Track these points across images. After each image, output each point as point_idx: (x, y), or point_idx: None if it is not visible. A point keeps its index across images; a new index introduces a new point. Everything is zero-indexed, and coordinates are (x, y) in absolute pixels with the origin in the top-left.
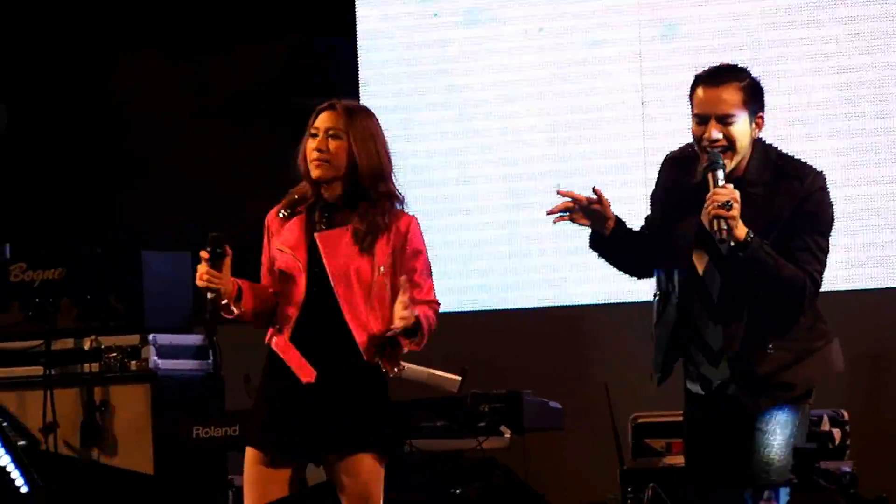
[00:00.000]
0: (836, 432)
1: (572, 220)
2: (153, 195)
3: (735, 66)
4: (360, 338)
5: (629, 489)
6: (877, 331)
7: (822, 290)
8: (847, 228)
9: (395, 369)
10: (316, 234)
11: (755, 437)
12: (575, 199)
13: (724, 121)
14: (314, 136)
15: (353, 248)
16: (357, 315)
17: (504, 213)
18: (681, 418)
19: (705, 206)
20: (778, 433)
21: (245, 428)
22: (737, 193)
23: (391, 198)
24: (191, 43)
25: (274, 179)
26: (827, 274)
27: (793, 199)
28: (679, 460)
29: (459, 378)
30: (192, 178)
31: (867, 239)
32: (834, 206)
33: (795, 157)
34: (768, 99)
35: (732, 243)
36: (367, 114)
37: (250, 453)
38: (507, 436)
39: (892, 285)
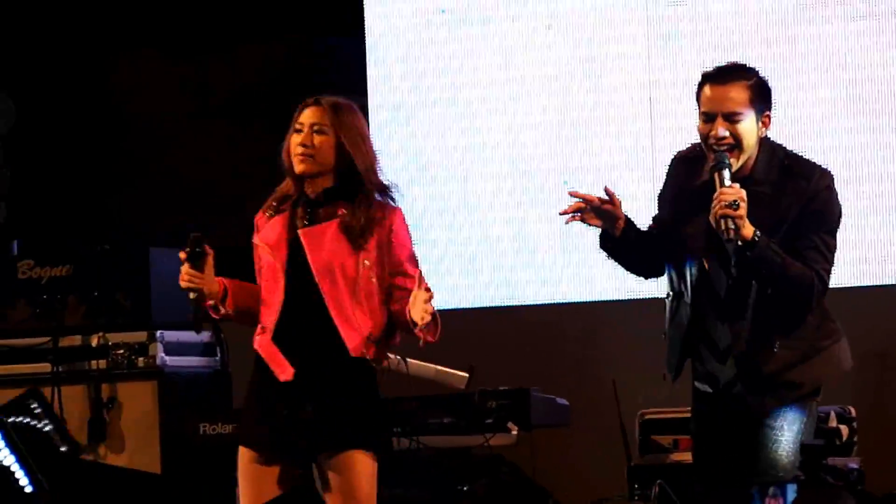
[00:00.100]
0: (844, 429)
1: (583, 220)
2: (153, 195)
3: (742, 65)
4: (345, 334)
5: (636, 486)
6: (885, 327)
7: (830, 286)
8: (856, 225)
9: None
10: (299, 231)
11: (764, 434)
12: (586, 200)
13: (731, 119)
14: (298, 131)
15: (337, 242)
16: (342, 311)
17: (511, 209)
18: (688, 415)
19: (712, 205)
20: (786, 430)
21: (237, 426)
22: (743, 193)
23: (382, 190)
24: (191, 43)
25: (274, 179)
26: (835, 271)
27: (800, 198)
28: (687, 457)
29: (467, 375)
30: (192, 178)
31: (876, 235)
32: (841, 205)
33: (802, 156)
34: (777, 95)
35: (740, 243)
36: (353, 109)
37: (243, 452)
38: (515, 432)
39: None
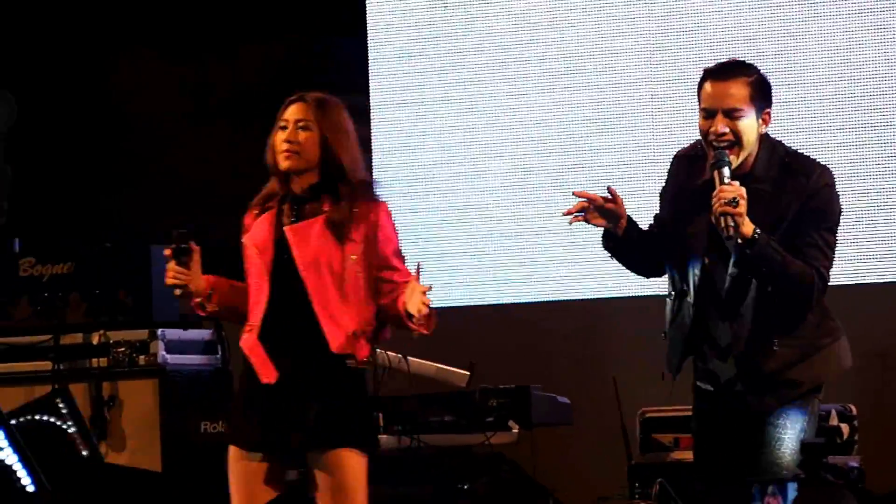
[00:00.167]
0: (845, 427)
1: (586, 220)
2: (154, 195)
3: (743, 62)
4: (328, 331)
5: (637, 484)
6: (887, 325)
7: (831, 284)
8: (857, 223)
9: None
10: (285, 228)
11: (767, 433)
12: (590, 199)
13: (731, 115)
14: (283, 128)
15: (324, 238)
16: (327, 307)
17: (513, 207)
18: (689, 413)
19: (712, 203)
20: (789, 428)
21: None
22: (743, 190)
23: (366, 186)
24: (191, 43)
25: None
26: (837, 268)
27: (800, 196)
28: (687, 455)
29: (467, 373)
30: (192, 178)
31: (877, 233)
32: (841, 202)
33: (803, 153)
34: (780, 92)
35: (740, 240)
36: (338, 105)
37: (232, 451)
38: (515, 431)
39: None
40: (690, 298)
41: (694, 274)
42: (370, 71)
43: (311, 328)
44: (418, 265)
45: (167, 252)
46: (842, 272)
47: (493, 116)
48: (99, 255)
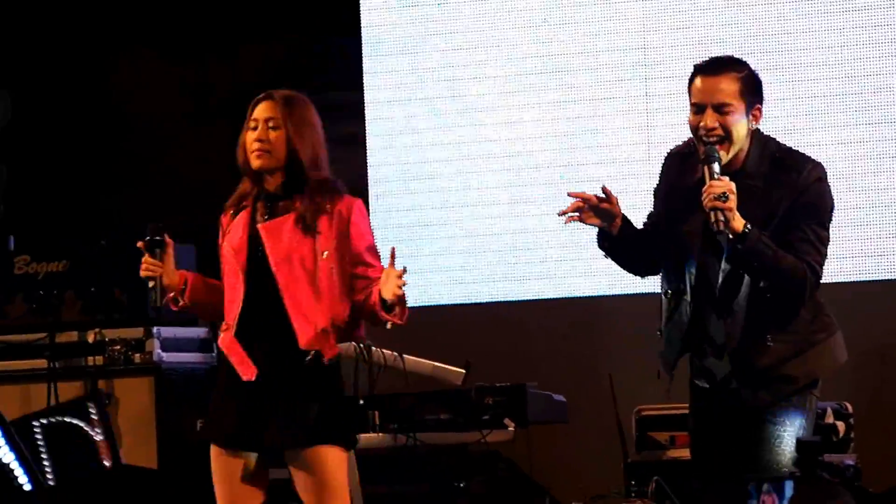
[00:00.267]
0: (840, 425)
1: (581, 220)
2: (153, 195)
3: (734, 58)
4: (298, 326)
5: (633, 482)
6: (882, 323)
7: (827, 281)
8: (853, 219)
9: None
10: (258, 226)
11: (764, 431)
12: (584, 199)
13: (721, 110)
14: (254, 128)
15: (295, 235)
16: (298, 303)
17: (508, 205)
18: (685, 411)
19: (702, 198)
20: (787, 426)
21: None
22: (732, 185)
23: (326, 184)
24: (191, 43)
25: None
26: (832, 265)
27: (791, 191)
28: (683, 453)
29: (463, 371)
30: (192, 178)
31: (873, 230)
32: (834, 197)
33: (794, 149)
34: (775, 90)
35: (731, 235)
36: (305, 102)
37: (213, 449)
38: (511, 429)
39: None
40: (688, 297)
41: (690, 272)
42: (364, 69)
43: (287, 325)
44: (392, 250)
45: (140, 244)
46: (839, 269)
47: (487, 115)
48: (94, 253)
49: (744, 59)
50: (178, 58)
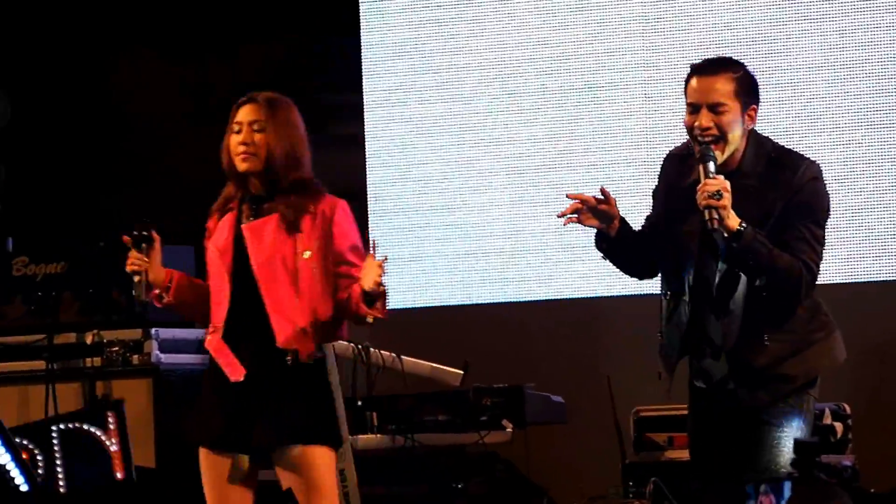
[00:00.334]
0: (838, 426)
1: (580, 221)
2: (153, 195)
3: (729, 58)
4: (276, 325)
5: (631, 483)
6: (880, 324)
7: (826, 282)
8: (852, 221)
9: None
10: (242, 226)
11: (763, 432)
12: (583, 200)
13: (715, 110)
14: (238, 131)
15: (278, 234)
16: (279, 305)
17: (506, 206)
18: (683, 412)
19: (696, 196)
20: (785, 426)
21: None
22: (727, 183)
23: (309, 184)
24: (191, 43)
25: None
26: (831, 266)
27: (786, 190)
28: (681, 454)
29: (461, 372)
30: (192, 178)
31: (871, 232)
32: (838, 201)
33: (791, 149)
34: (774, 92)
35: (726, 234)
36: (288, 104)
37: (202, 452)
38: (509, 430)
39: None
40: (687, 297)
41: (688, 273)
42: (363, 71)
43: (269, 327)
44: (373, 242)
45: (126, 239)
46: (837, 271)
47: (486, 116)
48: (92, 255)
49: (740, 60)
50: (178, 58)
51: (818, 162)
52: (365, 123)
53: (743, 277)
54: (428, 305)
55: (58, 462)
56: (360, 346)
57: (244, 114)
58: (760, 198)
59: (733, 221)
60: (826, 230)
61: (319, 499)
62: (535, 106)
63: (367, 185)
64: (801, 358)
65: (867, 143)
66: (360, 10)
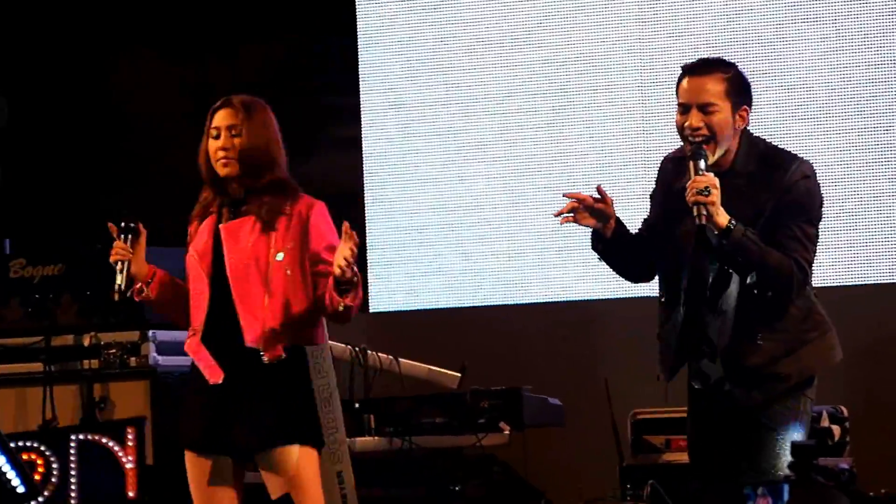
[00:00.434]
0: (836, 429)
1: (576, 220)
2: (153, 195)
3: (720, 59)
4: (245, 324)
5: (628, 486)
6: (878, 326)
7: (823, 285)
8: (849, 223)
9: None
10: (220, 226)
11: (760, 433)
12: (579, 199)
13: (706, 109)
14: (216, 136)
15: (254, 235)
16: (251, 306)
17: (504, 209)
18: (681, 414)
19: (686, 193)
20: (782, 428)
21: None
22: (715, 180)
23: (285, 185)
24: (191, 43)
25: None
26: (828, 269)
27: (778, 189)
28: (678, 457)
29: (459, 374)
30: (192, 178)
31: (867, 235)
32: (832, 204)
33: (783, 148)
34: (769, 94)
35: (715, 231)
36: (263, 106)
37: (187, 454)
38: (507, 432)
39: (894, 280)
40: (682, 299)
41: (684, 274)
42: (360, 73)
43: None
44: (345, 224)
45: (112, 227)
46: (833, 274)
47: (484, 118)
48: (90, 257)
49: (731, 61)
50: (178, 58)
51: (811, 161)
52: (362, 125)
53: (735, 276)
54: (425, 308)
55: (72, 472)
56: (357, 349)
57: (221, 118)
58: (752, 197)
59: (722, 218)
60: (819, 229)
61: (303, 498)
62: (532, 108)
63: (365, 187)
64: (794, 357)
65: (863, 148)
66: (357, 12)
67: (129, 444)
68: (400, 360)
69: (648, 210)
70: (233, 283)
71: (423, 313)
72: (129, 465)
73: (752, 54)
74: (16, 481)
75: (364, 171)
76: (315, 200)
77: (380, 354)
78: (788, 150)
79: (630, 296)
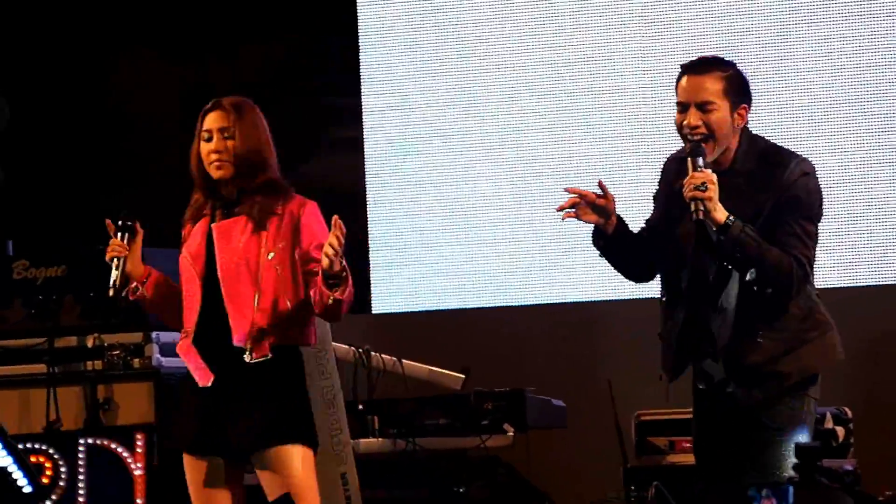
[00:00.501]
0: (840, 430)
1: (577, 216)
2: (153, 196)
3: (719, 58)
4: (234, 322)
5: (632, 487)
6: (882, 328)
7: (826, 287)
8: (853, 225)
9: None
10: (212, 226)
11: (764, 435)
12: (581, 195)
13: (704, 108)
14: (208, 139)
15: (245, 235)
16: (240, 305)
17: (508, 209)
18: (684, 416)
19: (683, 190)
20: (785, 430)
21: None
22: (713, 176)
23: (276, 185)
24: (191, 43)
25: None
26: (832, 270)
27: (777, 187)
28: (682, 458)
29: (462, 376)
30: (192, 179)
31: (871, 237)
32: (837, 206)
33: (783, 147)
34: (773, 96)
35: (713, 227)
36: (252, 107)
37: (185, 457)
38: (511, 434)
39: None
40: (683, 299)
41: (685, 273)
42: (362, 74)
43: None
44: (335, 218)
45: (109, 224)
46: (836, 275)
47: (486, 120)
48: (93, 258)
49: (730, 60)
50: (178, 58)
51: (809, 158)
52: (364, 126)
53: (736, 275)
54: (429, 309)
55: (81, 476)
56: (360, 350)
57: (212, 121)
58: (752, 195)
59: (720, 214)
60: (819, 227)
61: (299, 499)
62: (535, 109)
63: (367, 189)
64: (795, 356)
65: (865, 150)
66: (358, 13)
67: (139, 450)
68: (403, 361)
69: (652, 210)
70: (223, 282)
71: (426, 315)
72: (137, 472)
73: (756, 56)
74: (23, 482)
75: (366, 173)
76: (307, 200)
77: (383, 356)
78: (789, 148)
79: (633, 297)
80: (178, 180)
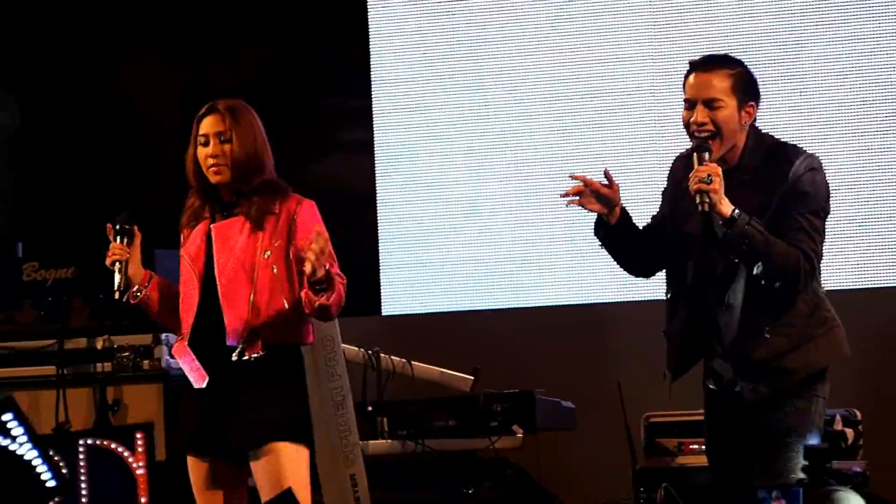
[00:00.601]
0: (849, 432)
1: (582, 204)
2: (154, 196)
3: (727, 55)
4: (228, 319)
5: (642, 489)
6: (885, 329)
7: (835, 288)
8: (862, 227)
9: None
10: (212, 226)
11: (773, 436)
12: (586, 183)
13: (711, 105)
14: (204, 143)
15: (243, 235)
16: (235, 304)
17: (518, 211)
18: (694, 417)
19: (689, 183)
20: (794, 431)
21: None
22: (718, 169)
23: (273, 185)
24: (191, 43)
25: None
26: (841, 272)
27: (784, 182)
28: (692, 460)
29: (471, 377)
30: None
31: (880, 239)
32: (846, 209)
33: (790, 143)
34: (781, 97)
35: (720, 220)
36: (247, 109)
37: (188, 458)
38: (520, 435)
39: None
40: (686, 296)
41: (690, 270)
42: (372, 77)
43: None
44: (314, 227)
45: (109, 228)
46: (846, 276)
47: (496, 122)
48: (102, 259)
49: (738, 58)
50: (178, 58)
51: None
52: (374, 128)
53: (743, 270)
54: (438, 311)
55: (82, 476)
56: (370, 352)
57: (208, 125)
58: (759, 191)
59: (726, 207)
60: (826, 222)
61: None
62: (544, 111)
63: (377, 191)
64: (801, 352)
65: (874, 152)
66: (368, 14)
67: (139, 449)
68: (413, 362)
69: (659, 206)
70: (220, 282)
71: (435, 316)
72: (139, 471)
73: (761, 56)
74: (47, 475)
75: (376, 174)
76: (304, 199)
77: (392, 357)
78: (794, 144)
79: (642, 298)
80: (178, 181)
